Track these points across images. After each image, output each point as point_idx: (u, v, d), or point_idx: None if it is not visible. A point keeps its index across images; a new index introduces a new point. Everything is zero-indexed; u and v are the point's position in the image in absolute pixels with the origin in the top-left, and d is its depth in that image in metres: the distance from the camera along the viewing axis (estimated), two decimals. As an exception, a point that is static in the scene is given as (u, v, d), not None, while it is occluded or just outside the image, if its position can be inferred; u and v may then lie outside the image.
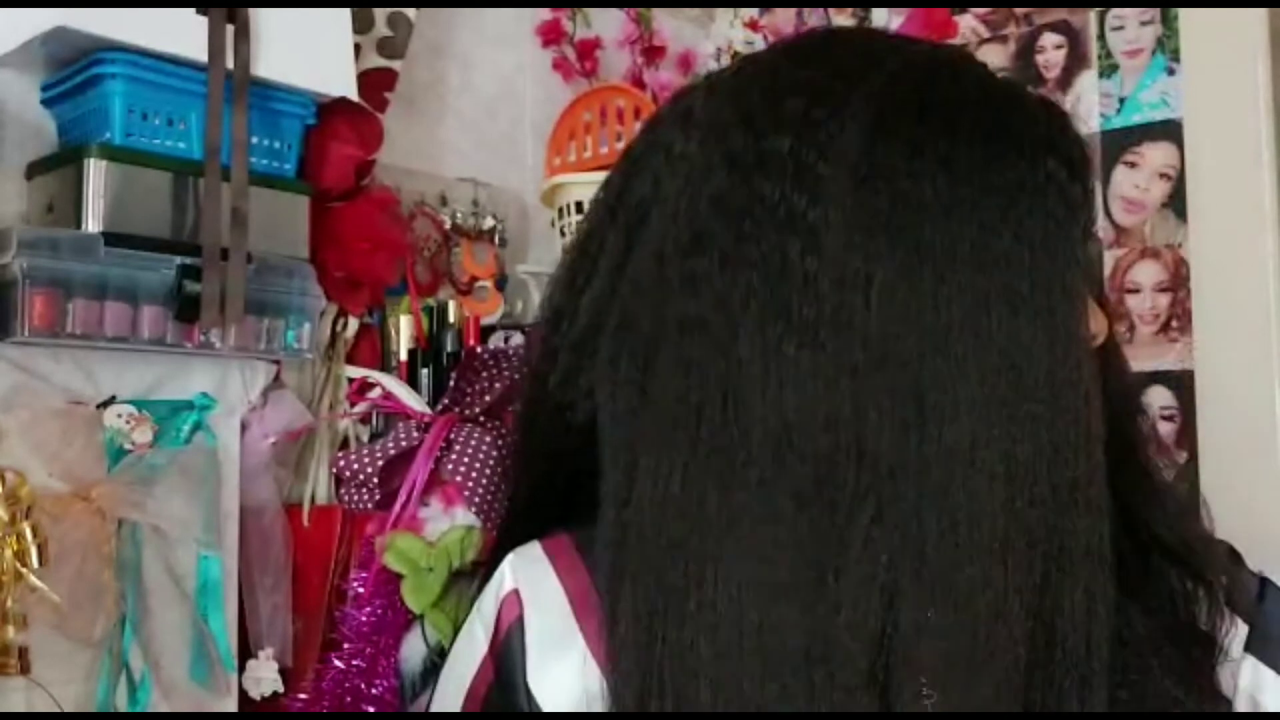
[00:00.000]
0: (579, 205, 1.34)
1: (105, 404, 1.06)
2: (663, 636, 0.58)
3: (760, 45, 1.41)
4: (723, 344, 0.59)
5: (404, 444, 1.15)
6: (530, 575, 0.66)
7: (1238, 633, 0.65)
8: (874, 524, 0.56)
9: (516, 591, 0.66)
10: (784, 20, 1.68)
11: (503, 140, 1.50)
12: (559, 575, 0.66)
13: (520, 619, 0.65)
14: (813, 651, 0.55)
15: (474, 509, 1.10)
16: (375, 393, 1.26)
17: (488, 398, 1.16)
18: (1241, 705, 0.64)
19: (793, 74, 0.62)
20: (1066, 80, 1.45)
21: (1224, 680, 0.64)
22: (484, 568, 0.73)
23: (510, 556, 0.67)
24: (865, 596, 0.56)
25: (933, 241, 0.57)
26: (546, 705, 0.62)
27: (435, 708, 0.70)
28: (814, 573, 0.56)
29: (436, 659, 1.09)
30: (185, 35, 1.05)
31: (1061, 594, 0.56)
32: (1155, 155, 1.39)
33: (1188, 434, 1.30)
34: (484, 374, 1.16)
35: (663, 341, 0.61)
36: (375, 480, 1.13)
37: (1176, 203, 1.37)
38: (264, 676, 1.15)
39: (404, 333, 1.32)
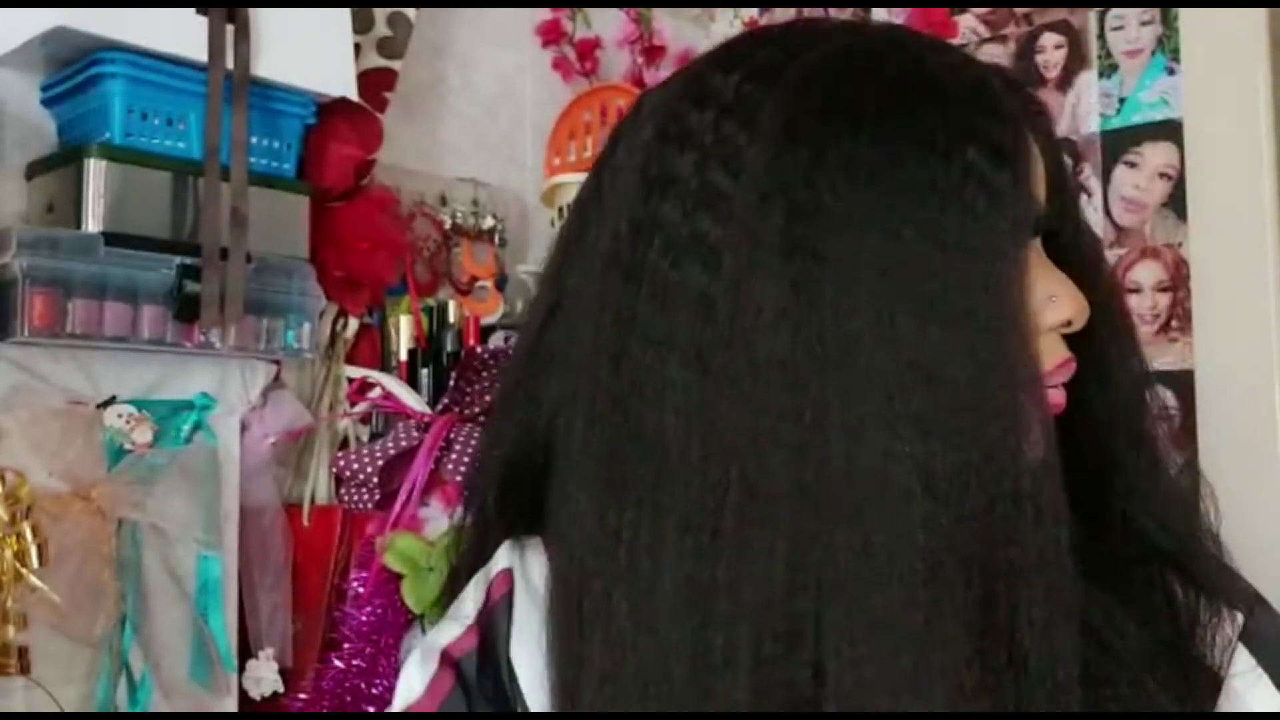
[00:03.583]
0: (579, 205, 1.34)
1: (105, 404, 1.06)
2: (576, 675, 0.57)
3: (760, 45, 1.41)
4: (630, 375, 0.57)
5: (404, 444, 1.15)
6: (524, 558, 0.66)
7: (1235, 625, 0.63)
8: (771, 553, 0.53)
9: (509, 570, 0.66)
10: (784, 20, 1.68)
11: (503, 140, 1.50)
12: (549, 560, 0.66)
13: (509, 595, 0.64)
14: (699, 693, 0.53)
15: (474, 509, 1.10)
16: (375, 393, 1.26)
17: (488, 398, 1.16)
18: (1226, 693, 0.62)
19: (710, 82, 0.60)
20: (1066, 80, 1.45)
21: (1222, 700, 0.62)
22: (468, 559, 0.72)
23: (506, 542, 0.67)
24: (767, 628, 0.53)
25: (833, 252, 0.54)
26: (523, 680, 0.62)
27: (406, 672, 0.70)
28: (699, 606, 0.54)
29: (436, 659, 1.09)
30: (185, 35, 1.05)
31: (1017, 609, 0.53)
32: (1155, 155, 1.38)
33: (1188, 434, 1.30)
34: (484, 374, 1.16)
35: (591, 373, 0.60)
36: (375, 480, 1.13)
37: (1176, 203, 1.37)
38: (264, 676, 1.15)
39: (404, 333, 1.32)
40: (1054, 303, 0.60)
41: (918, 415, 0.53)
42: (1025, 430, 0.54)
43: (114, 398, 1.07)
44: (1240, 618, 0.63)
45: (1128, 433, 0.63)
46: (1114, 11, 1.42)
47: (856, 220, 0.54)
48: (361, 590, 1.11)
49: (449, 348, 1.32)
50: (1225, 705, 0.62)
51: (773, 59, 0.59)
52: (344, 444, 1.26)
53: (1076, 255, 0.64)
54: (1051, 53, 1.47)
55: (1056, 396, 0.60)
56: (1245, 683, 0.62)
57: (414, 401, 1.24)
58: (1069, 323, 0.60)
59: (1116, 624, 0.60)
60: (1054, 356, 0.60)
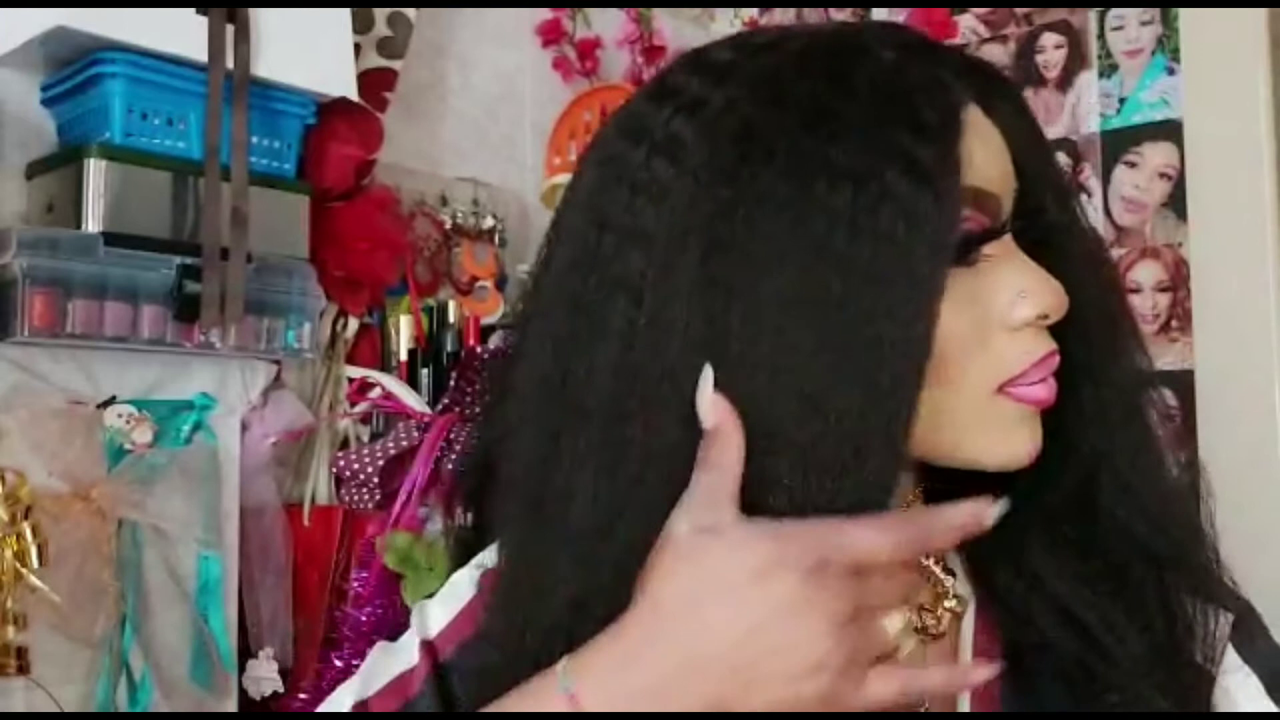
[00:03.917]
0: (579, 205, 1.34)
1: (105, 404, 1.06)
2: None
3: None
4: (552, 411, 0.58)
5: (404, 444, 1.15)
6: None
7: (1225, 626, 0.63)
8: None
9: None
10: (784, 20, 1.68)
11: (503, 140, 1.50)
12: None
13: None
14: None
15: (474, 509, 1.10)
16: (375, 393, 1.26)
17: (488, 398, 1.16)
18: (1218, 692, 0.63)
19: (645, 118, 0.60)
20: (1066, 80, 1.45)
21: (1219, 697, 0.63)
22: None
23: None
24: None
25: (742, 286, 0.54)
26: None
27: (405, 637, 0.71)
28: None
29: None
30: (185, 35, 1.05)
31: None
32: (1155, 155, 1.39)
33: (1188, 434, 1.30)
34: (484, 374, 1.16)
35: (531, 401, 0.61)
36: (375, 480, 1.14)
37: (1176, 203, 1.37)
38: (264, 676, 1.15)
39: (404, 333, 1.32)
40: (1024, 298, 0.58)
41: (801, 446, 0.53)
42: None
43: (114, 398, 1.07)
44: (1231, 618, 0.63)
45: (1122, 430, 0.62)
46: (1114, 11, 1.42)
47: (766, 253, 0.54)
48: (361, 590, 1.11)
49: (449, 348, 1.32)
50: (1217, 705, 0.62)
51: (700, 91, 0.59)
52: (344, 444, 1.26)
53: (1066, 244, 0.62)
54: (1051, 53, 1.47)
55: (1043, 391, 0.58)
56: (1235, 681, 0.62)
57: (414, 401, 1.24)
58: (1045, 316, 0.58)
59: (1117, 629, 0.60)
60: (1034, 352, 0.58)
